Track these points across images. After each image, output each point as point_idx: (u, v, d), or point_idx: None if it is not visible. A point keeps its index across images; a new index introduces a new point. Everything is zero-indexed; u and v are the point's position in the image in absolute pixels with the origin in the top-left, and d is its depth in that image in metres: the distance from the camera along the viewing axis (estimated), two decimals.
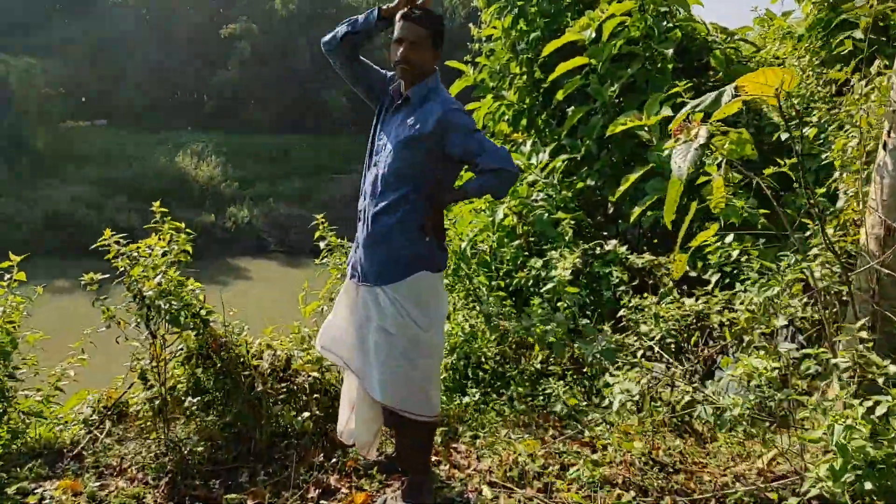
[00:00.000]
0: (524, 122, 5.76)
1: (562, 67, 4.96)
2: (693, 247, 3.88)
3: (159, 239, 3.23)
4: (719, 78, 4.73)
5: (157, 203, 3.37)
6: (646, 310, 3.96)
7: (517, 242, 4.54)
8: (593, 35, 4.84)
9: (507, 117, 5.85)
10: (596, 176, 5.05)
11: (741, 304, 3.30)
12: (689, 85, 4.84)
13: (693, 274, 4.27)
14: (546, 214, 4.64)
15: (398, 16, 2.88)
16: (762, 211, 3.35)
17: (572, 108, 5.40)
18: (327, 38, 3.03)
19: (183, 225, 3.34)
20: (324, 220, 4.41)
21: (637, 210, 4.54)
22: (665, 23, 4.66)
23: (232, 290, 23.40)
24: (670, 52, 4.55)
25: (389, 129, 2.90)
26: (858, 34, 3.91)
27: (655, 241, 4.90)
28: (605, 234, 4.91)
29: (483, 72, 5.83)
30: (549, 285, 4.14)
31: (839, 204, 3.13)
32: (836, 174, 3.11)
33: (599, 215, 5.14)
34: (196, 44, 35.16)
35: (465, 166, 2.75)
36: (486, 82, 5.84)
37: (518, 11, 5.40)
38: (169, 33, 34.63)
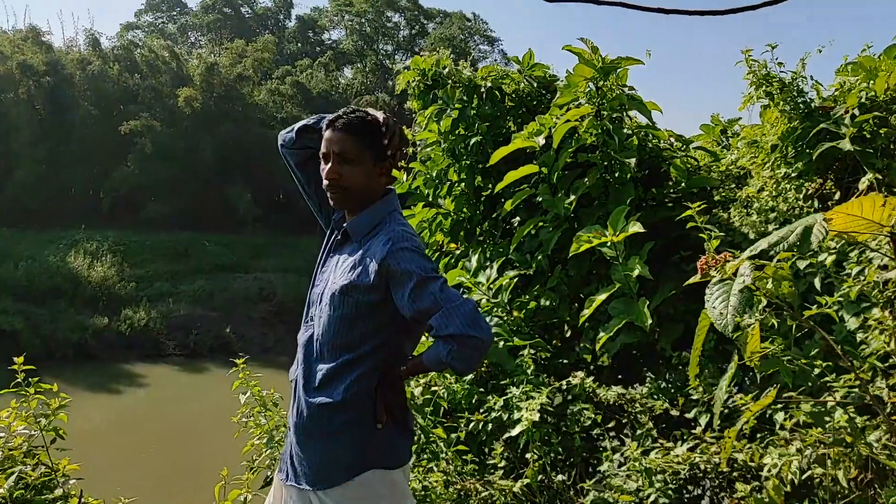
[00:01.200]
0: (462, 233, 5.19)
1: (511, 176, 4.43)
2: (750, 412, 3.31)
3: (19, 410, 2.38)
4: (681, 188, 4.31)
5: (21, 359, 2.52)
6: (629, 461, 3.33)
7: (468, 377, 3.86)
8: (542, 142, 4.36)
9: (443, 227, 5.27)
10: (551, 295, 4.48)
11: (771, 467, 2.70)
12: (652, 196, 4.40)
13: (674, 413, 3.69)
14: (501, 342, 4.01)
15: (324, 123, 2.26)
16: (823, 364, 2.81)
17: (517, 219, 4.88)
18: (284, 131, 2.42)
19: (55, 387, 2.50)
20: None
21: (603, 336, 3.96)
22: (623, 129, 4.24)
23: (126, 397, 21.57)
24: (633, 161, 4.09)
25: (327, 271, 2.24)
26: (847, 145, 3.56)
27: (615, 368, 4.32)
28: (564, 361, 4.31)
29: (418, 178, 5.26)
30: (516, 430, 3.46)
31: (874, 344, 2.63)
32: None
33: (555, 339, 4.54)
34: (93, 140, 33.70)
35: None
36: (421, 190, 5.27)
37: (458, 114, 4.90)
38: (64, 129, 33.10)
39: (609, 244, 3.90)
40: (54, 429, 2.45)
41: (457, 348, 1.94)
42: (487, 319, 4.19)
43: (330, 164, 2.16)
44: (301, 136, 2.38)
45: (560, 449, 3.45)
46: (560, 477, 3.34)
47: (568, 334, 4.49)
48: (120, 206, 33.51)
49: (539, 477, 3.28)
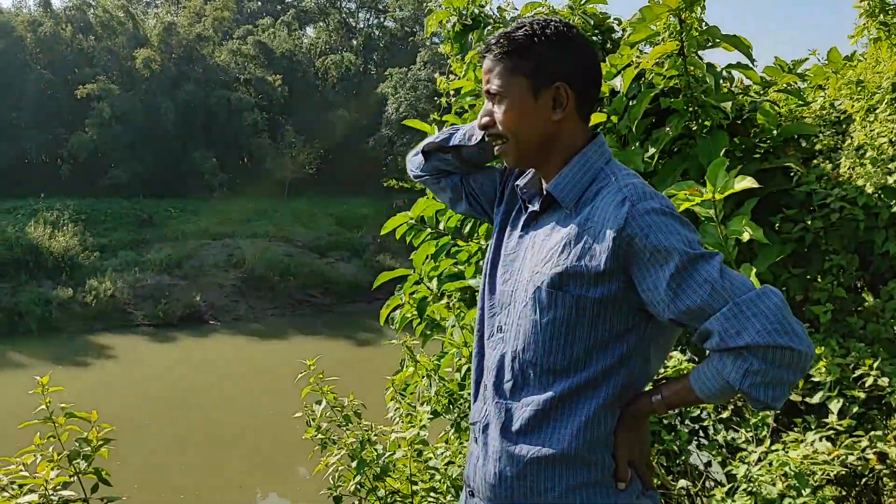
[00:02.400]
0: None
1: None
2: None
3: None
4: (771, 137, 3.72)
5: None
6: (761, 461, 2.76)
7: None
8: (619, 85, 3.70)
9: None
10: None
11: None
12: (738, 146, 3.79)
13: (795, 397, 3.14)
14: None
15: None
16: None
17: None
18: (410, 155, 1.92)
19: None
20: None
21: None
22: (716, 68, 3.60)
23: (95, 371, 20.66)
24: (729, 105, 3.47)
25: (517, 258, 1.54)
26: None
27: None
28: None
29: None
30: None
31: None
32: None
33: None
34: (49, 105, 32.02)
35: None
36: None
37: None
38: (16, 94, 31.35)
39: (709, 203, 3.28)
40: (96, 471, 1.76)
41: (758, 367, 1.27)
42: None
43: (489, 105, 1.58)
44: (431, 158, 1.82)
45: (675, 448, 2.88)
46: (683, 483, 2.77)
47: None
48: (79, 174, 32.02)
49: (656, 483, 2.71)
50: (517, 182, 1.64)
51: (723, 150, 3.49)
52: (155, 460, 13.95)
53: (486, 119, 1.57)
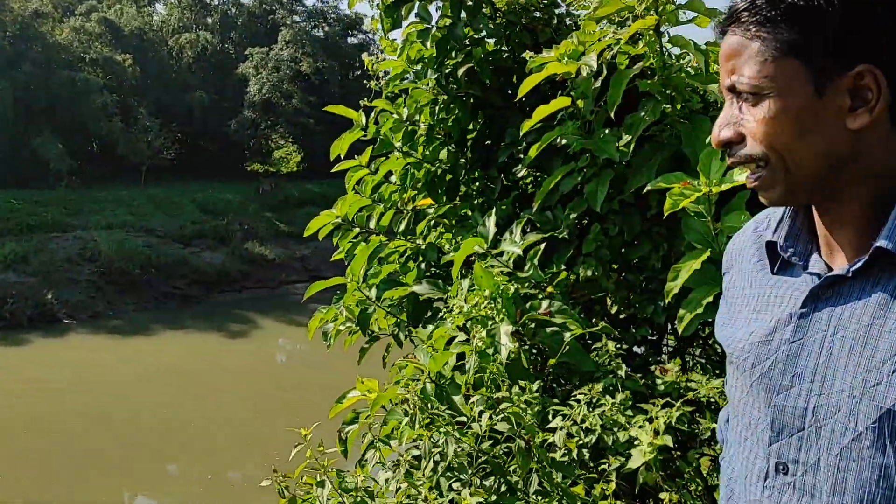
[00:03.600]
0: (442, 188, 4.01)
1: (541, 111, 3.30)
2: None
3: None
4: None
5: None
6: None
7: (535, 387, 2.76)
8: (591, 67, 3.25)
9: (417, 180, 4.06)
10: (591, 263, 3.45)
11: None
12: None
13: None
14: (566, 334, 2.95)
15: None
16: None
17: (520, 169, 3.77)
18: None
19: None
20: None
21: (687, 315, 2.99)
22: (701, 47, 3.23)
23: None
24: (716, 87, 3.12)
25: (802, 350, 0.96)
26: None
27: (697, 352, 3.40)
28: (633, 349, 3.33)
29: (386, 122, 3.97)
30: (636, 461, 2.44)
31: None
32: None
33: (596, 318, 3.54)
34: None
35: None
36: (388, 136, 3.99)
37: (446, 34, 3.65)
38: None
39: (701, 198, 2.91)
40: None
41: None
42: (544, 305, 3.12)
43: (721, 114, 1.01)
44: None
45: (698, 481, 2.49)
46: None
47: (612, 311, 3.50)
48: None
49: None
50: (759, 229, 1.12)
51: (707, 139, 3.13)
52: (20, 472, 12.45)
53: (727, 132, 1.01)
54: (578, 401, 2.40)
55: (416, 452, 2.07)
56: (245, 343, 22.50)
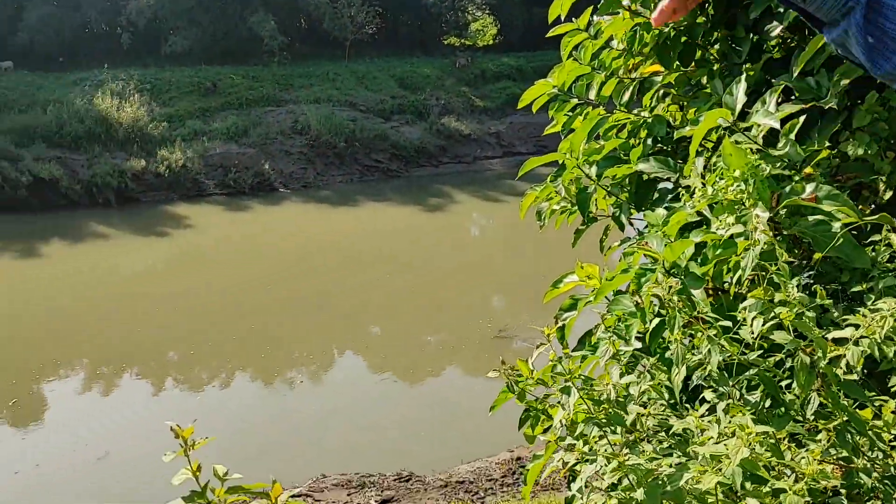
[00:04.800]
0: (676, 51, 3.50)
1: None
2: None
3: None
4: None
5: None
6: None
7: (794, 282, 2.32)
8: None
9: (644, 44, 3.57)
10: (865, 140, 2.86)
11: None
12: None
13: None
14: (835, 224, 2.46)
15: None
16: None
17: (775, 25, 3.15)
18: None
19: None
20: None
21: None
22: None
23: (176, 240, 20.61)
24: None
25: None
26: None
27: None
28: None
29: None
30: None
31: None
32: None
33: (863, 205, 2.98)
34: None
35: None
36: None
37: None
38: None
39: None
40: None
41: None
42: (808, 188, 2.62)
43: None
44: None
45: None
46: None
47: (887, 197, 2.92)
48: (140, 42, 31.08)
49: None
50: None
51: None
52: (261, 320, 13.82)
53: None
54: (867, 306, 1.96)
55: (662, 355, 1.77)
56: (443, 217, 23.01)
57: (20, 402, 11.27)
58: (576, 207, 3.42)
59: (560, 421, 1.67)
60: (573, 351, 2.64)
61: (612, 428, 1.55)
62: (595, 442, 1.52)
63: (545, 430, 2.45)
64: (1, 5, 29.90)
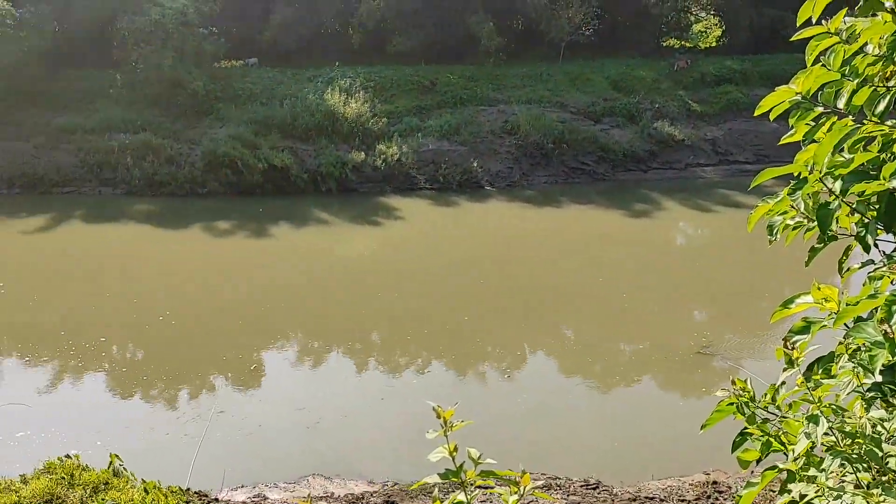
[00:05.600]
0: None
1: None
2: None
3: None
4: None
5: None
6: None
7: None
8: None
9: None
10: None
11: None
12: None
13: None
14: None
15: None
16: None
17: None
18: None
19: None
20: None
21: None
22: None
23: (387, 229, 21.74)
24: None
25: None
26: None
27: None
28: None
29: None
30: None
31: None
32: None
33: None
34: None
35: None
36: None
37: None
38: None
39: None
40: None
41: None
42: None
43: None
44: None
45: None
46: None
47: None
48: (368, 42, 33.08)
49: None
50: None
51: None
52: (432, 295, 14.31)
53: None
54: None
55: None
56: (648, 223, 22.32)
57: (257, 369, 12.48)
58: (814, 224, 3.17)
59: (796, 450, 1.56)
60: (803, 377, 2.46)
61: (864, 465, 1.42)
62: (841, 477, 1.41)
63: (762, 457, 2.31)
64: (253, 5, 33.06)
